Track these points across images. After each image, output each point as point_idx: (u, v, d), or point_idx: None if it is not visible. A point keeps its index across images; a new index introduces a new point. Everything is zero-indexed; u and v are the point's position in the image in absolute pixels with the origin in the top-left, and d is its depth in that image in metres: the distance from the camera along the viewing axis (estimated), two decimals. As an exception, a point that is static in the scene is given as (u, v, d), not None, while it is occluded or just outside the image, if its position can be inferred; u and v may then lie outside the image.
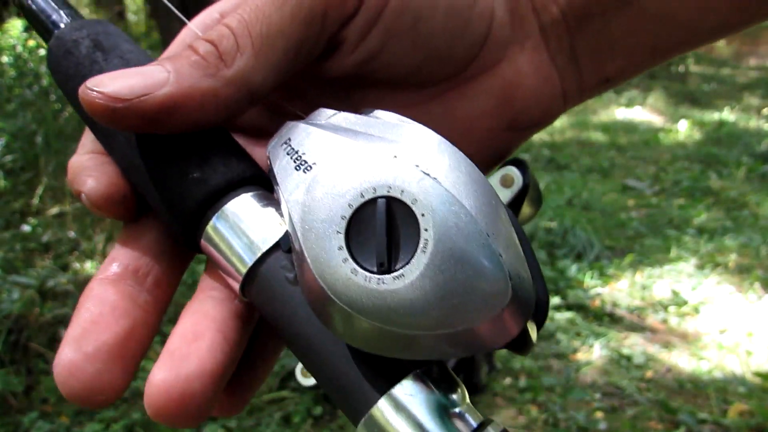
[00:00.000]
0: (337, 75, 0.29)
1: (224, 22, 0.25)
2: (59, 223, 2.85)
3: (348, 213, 0.20)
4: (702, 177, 4.24)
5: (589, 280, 2.72)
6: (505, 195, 0.30)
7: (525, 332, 0.21)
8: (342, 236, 0.20)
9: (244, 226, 0.25)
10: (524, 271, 0.20)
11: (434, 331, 0.19)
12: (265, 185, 0.27)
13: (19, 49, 4.10)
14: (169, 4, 0.32)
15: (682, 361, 2.19)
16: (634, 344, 2.29)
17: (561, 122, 6.33)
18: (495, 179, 0.31)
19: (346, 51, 0.27)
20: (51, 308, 2.18)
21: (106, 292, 0.27)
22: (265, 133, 0.29)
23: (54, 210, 2.93)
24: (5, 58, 4.26)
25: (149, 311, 0.28)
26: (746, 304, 2.55)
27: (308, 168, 0.22)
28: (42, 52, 4.26)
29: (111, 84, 0.23)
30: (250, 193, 0.26)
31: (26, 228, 2.74)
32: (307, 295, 0.22)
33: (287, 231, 0.24)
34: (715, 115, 6.27)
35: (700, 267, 2.88)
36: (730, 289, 2.67)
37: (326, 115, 0.24)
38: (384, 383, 0.22)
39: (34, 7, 0.31)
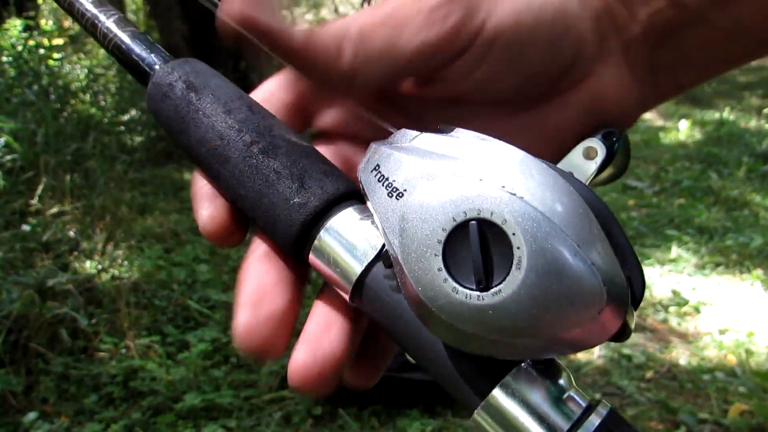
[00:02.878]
0: (439, 97, 0.32)
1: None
2: (59, 223, 2.85)
3: (443, 237, 0.22)
4: (702, 177, 4.24)
5: (590, 280, 2.71)
6: (589, 167, 0.30)
7: (624, 324, 0.22)
8: (440, 258, 0.22)
9: (346, 242, 0.28)
10: (617, 274, 0.21)
11: (533, 338, 0.21)
12: (357, 197, 0.30)
13: (20, 48, 4.10)
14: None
15: (682, 361, 2.19)
16: (634, 344, 2.29)
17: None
18: (578, 151, 0.31)
19: (452, 80, 0.30)
20: (51, 308, 2.18)
21: (265, 268, 0.31)
22: (365, 140, 0.31)
23: (54, 210, 2.93)
24: (5, 58, 4.25)
25: (297, 288, 0.31)
26: (747, 304, 2.55)
27: (400, 195, 0.23)
28: (42, 51, 4.26)
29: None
30: (346, 210, 0.29)
31: (26, 228, 2.74)
32: (414, 310, 0.24)
33: (384, 246, 0.26)
34: (715, 115, 6.27)
35: (701, 267, 2.88)
36: (731, 289, 2.67)
37: (409, 136, 0.26)
38: (495, 375, 0.24)
39: (129, 53, 0.35)
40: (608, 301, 0.21)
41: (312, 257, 0.29)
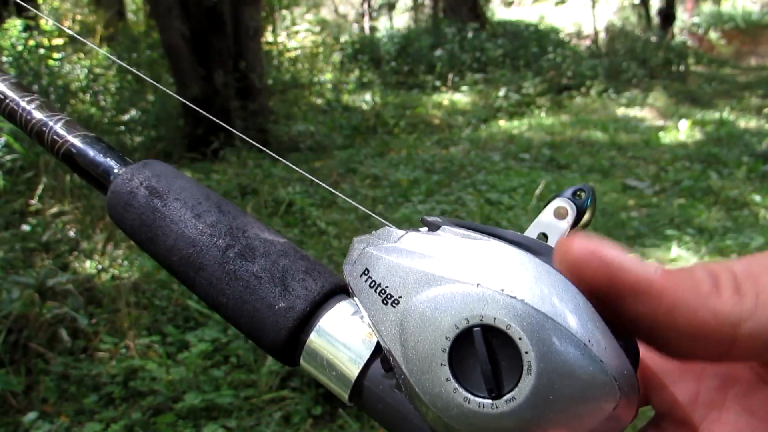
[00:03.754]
0: None
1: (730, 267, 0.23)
2: (59, 223, 2.85)
3: (447, 345, 0.21)
4: (702, 177, 4.24)
5: (590, 280, 2.71)
6: (561, 226, 0.30)
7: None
8: (447, 368, 0.21)
9: (339, 343, 0.27)
10: (626, 366, 0.21)
11: None
12: (343, 291, 0.29)
13: (20, 48, 4.10)
14: None
15: (682, 361, 2.19)
16: (635, 344, 2.29)
17: (561, 122, 6.33)
18: (549, 212, 0.31)
19: None
20: (51, 308, 2.18)
21: None
22: None
23: (54, 210, 2.93)
24: (5, 58, 4.25)
25: None
26: (746, 304, 2.55)
27: (396, 302, 0.23)
28: (42, 51, 4.26)
29: (609, 252, 0.23)
30: (333, 308, 0.28)
31: (26, 228, 2.74)
32: (424, 417, 0.23)
33: (379, 347, 0.25)
34: (715, 115, 6.27)
35: (701, 267, 2.87)
36: (731, 289, 2.67)
37: (395, 236, 0.25)
38: None
39: (83, 163, 0.33)
40: (621, 396, 0.20)
41: (304, 362, 0.28)
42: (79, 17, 7.10)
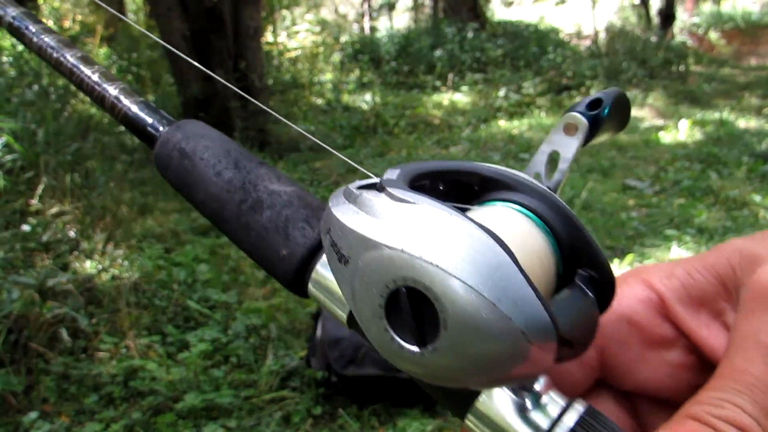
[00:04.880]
0: None
1: (736, 403, 0.25)
2: (59, 223, 2.85)
3: (383, 302, 0.24)
4: (702, 176, 4.24)
5: (590, 280, 2.71)
6: (570, 144, 0.30)
7: (567, 344, 0.24)
8: (385, 321, 0.24)
9: (332, 283, 0.32)
10: (538, 316, 0.22)
11: (474, 380, 0.24)
12: None
13: (20, 48, 4.10)
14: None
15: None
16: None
17: (561, 122, 6.32)
18: (559, 129, 0.31)
19: None
20: (51, 308, 2.18)
21: None
22: (668, 402, 0.31)
23: (54, 210, 2.93)
24: (5, 58, 4.25)
25: None
26: (746, 304, 2.55)
27: (347, 261, 0.25)
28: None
29: None
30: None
31: (26, 228, 2.74)
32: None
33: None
34: (715, 115, 6.27)
35: (701, 267, 2.87)
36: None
37: (354, 196, 0.27)
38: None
39: (137, 125, 0.40)
40: (532, 344, 0.22)
41: (311, 291, 0.33)
42: (79, 17, 7.10)
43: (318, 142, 0.36)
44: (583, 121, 0.30)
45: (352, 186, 0.28)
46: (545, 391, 0.27)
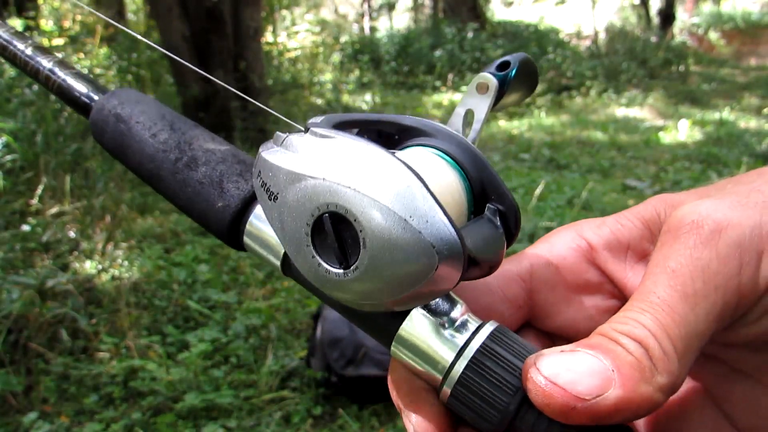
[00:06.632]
0: (735, 342, 0.30)
1: (638, 320, 0.26)
2: (59, 223, 2.85)
3: (308, 230, 0.26)
4: (702, 177, 4.24)
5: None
6: (483, 102, 0.33)
7: (474, 263, 0.27)
8: (311, 248, 0.26)
9: (268, 229, 0.33)
10: (446, 234, 0.24)
11: (393, 298, 0.26)
12: None
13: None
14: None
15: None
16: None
17: (561, 122, 6.33)
18: (473, 88, 0.33)
19: (744, 328, 0.29)
20: (51, 308, 2.18)
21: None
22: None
23: (54, 210, 2.93)
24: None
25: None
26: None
27: (275, 198, 0.27)
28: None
29: (566, 376, 0.25)
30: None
31: (26, 228, 2.74)
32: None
33: None
34: (715, 115, 6.27)
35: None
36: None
37: (280, 140, 0.29)
38: (399, 316, 0.29)
39: (70, 96, 0.41)
40: (440, 260, 0.24)
41: (246, 242, 0.34)
42: (79, 17, 7.10)
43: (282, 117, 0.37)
44: (493, 81, 0.32)
45: (280, 132, 0.30)
46: (462, 316, 0.29)
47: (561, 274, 0.33)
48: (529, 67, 0.35)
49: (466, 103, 0.33)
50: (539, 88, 7.32)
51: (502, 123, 6.33)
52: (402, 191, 0.24)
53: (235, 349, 2.18)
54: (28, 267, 2.46)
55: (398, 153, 0.28)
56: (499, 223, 0.29)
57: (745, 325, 0.28)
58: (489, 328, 0.28)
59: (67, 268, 2.57)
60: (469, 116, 0.33)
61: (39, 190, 2.97)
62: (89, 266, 2.63)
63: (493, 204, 0.30)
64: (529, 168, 4.59)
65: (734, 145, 5.05)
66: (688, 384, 0.33)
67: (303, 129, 0.29)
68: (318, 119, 0.30)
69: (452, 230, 0.24)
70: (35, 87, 3.86)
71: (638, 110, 6.86)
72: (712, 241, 0.27)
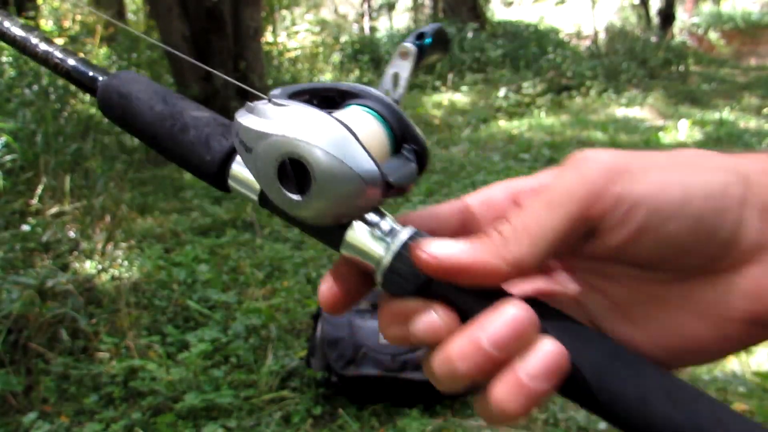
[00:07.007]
0: (593, 255, 0.35)
1: (511, 220, 0.35)
2: (59, 223, 2.85)
3: (275, 172, 0.36)
4: (702, 177, 4.24)
5: (589, 280, 2.71)
6: (406, 65, 0.43)
7: (391, 187, 0.36)
8: (278, 183, 0.36)
9: (246, 171, 0.41)
10: (369, 167, 0.35)
11: (338, 213, 0.36)
12: None
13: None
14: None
15: (682, 361, 2.19)
16: (634, 344, 2.29)
17: (561, 122, 6.33)
18: (397, 53, 0.43)
19: (600, 240, 0.34)
20: (51, 308, 2.18)
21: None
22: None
23: (54, 210, 2.93)
24: (5, 58, 4.25)
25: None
26: (746, 304, 2.55)
27: (250, 150, 0.37)
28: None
29: (437, 250, 0.35)
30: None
31: (26, 228, 2.74)
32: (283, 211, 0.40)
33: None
34: (715, 115, 6.27)
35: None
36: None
37: (252, 107, 0.38)
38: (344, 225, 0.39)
39: (78, 77, 0.49)
40: (366, 184, 0.35)
41: (230, 184, 0.42)
42: (79, 17, 7.10)
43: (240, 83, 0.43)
44: (413, 48, 0.43)
45: (250, 102, 0.39)
46: (389, 225, 0.38)
47: (491, 209, 0.41)
48: (442, 35, 0.45)
49: (393, 66, 0.43)
50: (539, 87, 7.32)
51: (502, 123, 6.33)
52: (338, 141, 0.34)
53: (235, 349, 2.18)
54: (28, 267, 2.46)
55: (336, 112, 0.37)
56: (413, 159, 0.40)
57: (601, 239, 0.34)
58: (408, 231, 0.37)
59: (67, 268, 2.57)
60: (395, 78, 0.43)
61: (39, 190, 2.97)
62: (89, 266, 2.63)
63: (408, 145, 0.40)
64: (529, 168, 4.59)
65: (734, 145, 5.05)
66: (566, 296, 0.40)
67: (267, 99, 0.38)
68: (277, 91, 0.40)
69: (374, 165, 0.35)
70: (35, 87, 3.86)
71: (638, 110, 6.86)
72: (580, 165, 0.34)
